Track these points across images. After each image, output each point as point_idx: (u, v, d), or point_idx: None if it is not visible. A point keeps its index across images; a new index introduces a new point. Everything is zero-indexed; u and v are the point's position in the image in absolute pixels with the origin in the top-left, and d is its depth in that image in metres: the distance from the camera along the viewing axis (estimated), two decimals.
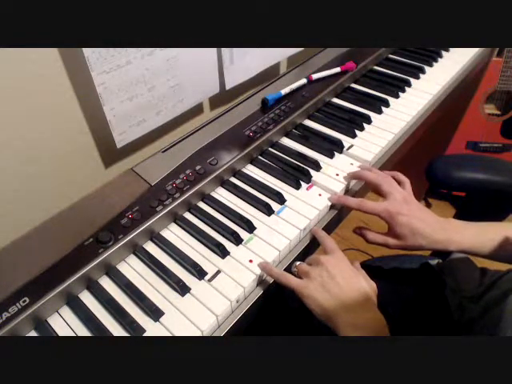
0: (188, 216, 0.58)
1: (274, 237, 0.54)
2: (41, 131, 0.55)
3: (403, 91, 0.83)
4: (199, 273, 0.49)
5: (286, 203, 0.59)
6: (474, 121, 1.33)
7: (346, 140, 0.70)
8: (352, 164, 0.66)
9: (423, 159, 0.76)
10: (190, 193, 0.57)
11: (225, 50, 0.69)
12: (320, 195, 0.60)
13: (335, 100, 0.82)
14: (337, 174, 0.63)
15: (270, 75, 0.83)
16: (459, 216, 0.87)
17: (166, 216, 0.55)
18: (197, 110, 0.76)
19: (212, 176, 0.60)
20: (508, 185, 0.74)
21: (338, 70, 0.82)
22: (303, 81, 0.78)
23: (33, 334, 0.45)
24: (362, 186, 0.64)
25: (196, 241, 0.54)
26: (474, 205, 0.85)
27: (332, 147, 0.68)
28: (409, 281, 0.68)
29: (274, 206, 0.58)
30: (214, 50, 0.68)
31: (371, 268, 0.72)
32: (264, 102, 0.73)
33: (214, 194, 0.61)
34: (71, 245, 0.49)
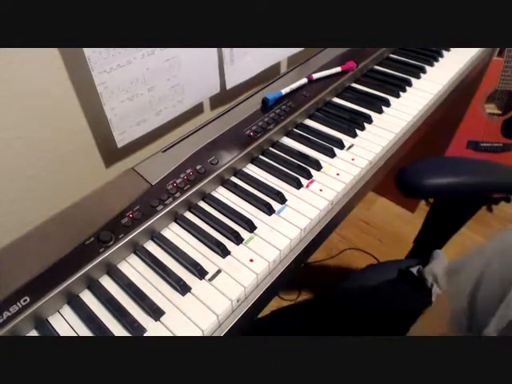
0: (189, 215, 0.58)
1: (274, 236, 0.54)
2: (41, 131, 0.55)
3: (404, 91, 0.83)
4: (200, 272, 0.50)
5: (286, 203, 0.59)
6: (474, 120, 1.33)
7: (346, 139, 0.70)
8: (353, 159, 0.66)
9: (424, 158, 0.76)
10: (191, 192, 0.57)
11: (225, 50, 0.69)
12: (321, 190, 0.60)
13: (336, 99, 0.82)
14: (337, 174, 0.63)
15: (270, 75, 0.83)
16: (430, 220, 0.89)
17: (166, 215, 0.55)
18: (197, 109, 0.76)
19: (213, 175, 0.60)
20: (473, 184, 0.74)
21: (338, 69, 0.82)
22: (304, 80, 0.78)
23: (33, 333, 0.45)
24: (363, 186, 0.64)
25: (196, 240, 0.54)
26: (445, 208, 0.86)
27: (333, 147, 0.68)
28: (394, 288, 0.69)
29: (275, 205, 0.58)
30: (215, 49, 0.68)
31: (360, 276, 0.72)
32: (264, 101, 0.73)
33: (214, 194, 0.61)
34: (72, 244, 0.49)
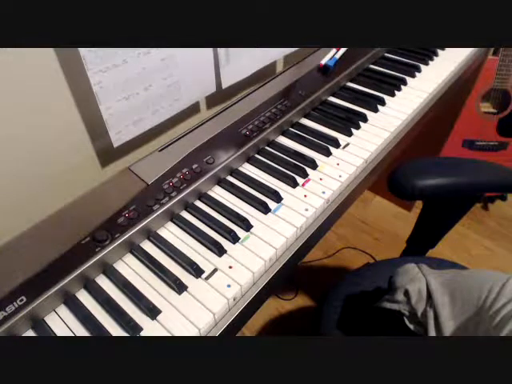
0: (185, 215, 0.58)
1: (270, 235, 0.54)
2: (37, 131, 0.55)
3: (399, 90, 0.83)
4: (196, 271, 0.50)
5: (282, 201, 0.59)
6: (470, 119, 1.33)
7: (342, 138, 0.71)
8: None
9: (419, 157, 0.77)
10: (187, 191, 0.57)
11: (221, 49, 0.69)
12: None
13: (331, 99, 0.82)
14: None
15: (266, 74, 0.83)
16: (421, 220, 0.88)
17: (162, 215, 0.55)
18: (193, 109, 0.76)
19: (209, 175, 0.60)
20: (462, 185, 0.74)
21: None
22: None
23: (30, 333, 0.45)
24: (359, 184, 0.64)
25: (193, 239, 0.54)
26: (436, 208, 0.86)
27: (328, 145, 0.68)
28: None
29: (271, 204, 0.58)
30: (211, 48, 0.68)
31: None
32: (325, 67, 0.81)
33: (210, 193, 0.61)
34: (68, 244, 0.49)
